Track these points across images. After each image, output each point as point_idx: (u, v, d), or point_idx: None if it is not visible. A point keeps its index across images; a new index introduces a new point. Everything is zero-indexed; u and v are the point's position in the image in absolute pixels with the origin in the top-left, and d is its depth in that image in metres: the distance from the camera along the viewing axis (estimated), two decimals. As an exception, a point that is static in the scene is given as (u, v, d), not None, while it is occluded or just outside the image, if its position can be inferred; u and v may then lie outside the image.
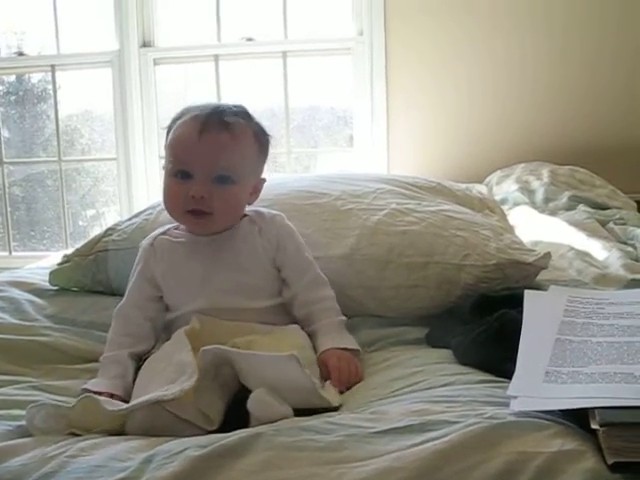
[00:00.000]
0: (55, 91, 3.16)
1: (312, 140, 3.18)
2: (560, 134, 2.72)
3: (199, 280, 1.12)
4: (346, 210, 1.37)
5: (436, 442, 0.71)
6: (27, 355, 1.16)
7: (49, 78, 3.16)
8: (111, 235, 1.47)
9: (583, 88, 2.71)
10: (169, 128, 1.16)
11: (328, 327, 1.13)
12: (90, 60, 3.10)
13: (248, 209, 1.20)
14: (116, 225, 1.52)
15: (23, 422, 0.90)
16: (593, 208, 2.11)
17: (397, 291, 1.25)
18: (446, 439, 0.72)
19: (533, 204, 2.20)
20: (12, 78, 3.34)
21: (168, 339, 1.07)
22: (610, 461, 0.67)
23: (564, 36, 2.70)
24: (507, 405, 0.79)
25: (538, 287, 1.18)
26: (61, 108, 3.20)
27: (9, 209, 3.23)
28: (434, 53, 2.78)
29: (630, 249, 1.67)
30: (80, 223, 3.42)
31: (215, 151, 1.10)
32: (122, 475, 0.73)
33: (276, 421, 0.82)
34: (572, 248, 1.66)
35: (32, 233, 3.39)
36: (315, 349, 1.10)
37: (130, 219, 1.52)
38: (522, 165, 2.52)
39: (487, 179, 2.53)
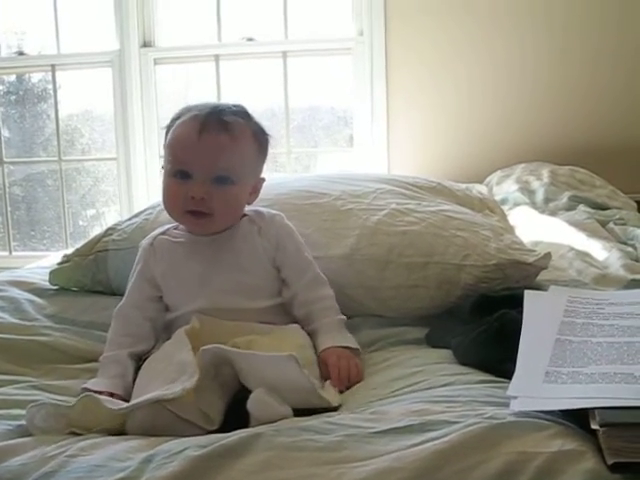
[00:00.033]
0: (55, 91, 3.16)
1: (312, 140, 3.18)
2: (560, 134, 2.72)
3: (199, 280, 1.12)
4: (346, 210, 1.37)
5: (436, 442, 0.71)
6: (27, 355, 1.16)
7: (49, 78, 3.16)
8: (111, 235, 1.47)
9: (583, 88, 2.71)
10: (168, 128, 1.16)
11: (328, 326, 1.13)
12: (90, 60, 3.09)
13: (247, 209, 1.20)
14: (116, 225, 1.52)
15: (23, 422, 0.90)
16: (593, 208, 2.11)
17: (397, 291, 1.25)
18: (446, 439, 0.72)
19: (533, 204, 2.20)
20: (12, 78, 3.34)
21: (168, 339, 1.07)
22: (610, 461, 0.67)
23: (564, 36, 2.70)
24: (507, 405, 0.79)
25: (538, 287, 1.18)
26: (61, 108, 3.20)
27: (9, 209, 3.23)
28: (434, 53, 2.78)
29: (630, 249, 1.67)
30: (80, 223, 3.42)
31: (214, 151, 1.10)
32: (122, 475, 0.73)
33: (276, 421, 0.82)
34: (572, 248, 1.66)
35: (32, 233, 3.39)
36: (315, 348, 1.10)
37: (130, 219, 1.52)
38: (522, 165, 2.52)
39: (487, 179, 2.53)
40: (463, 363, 1.01)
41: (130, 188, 3.05)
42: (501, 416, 0.76)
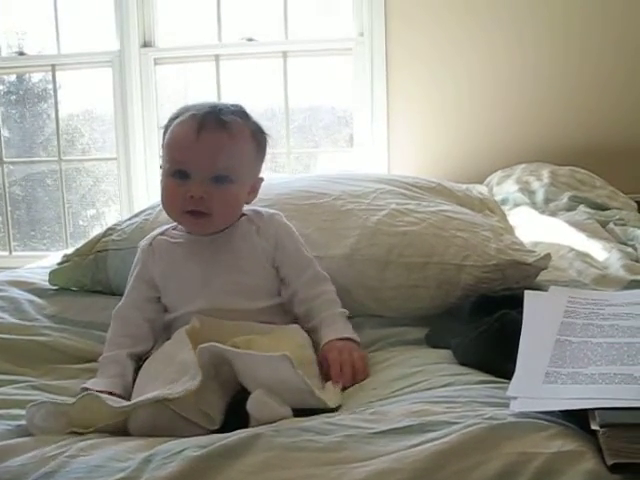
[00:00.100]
0: (55, 91, 3.16)
1: (312, 140, 3.18)
2: (560, 134, 2.72)
3: (198, 282, 1.12)
4: (346, 210, 1.37)
5: (436, 443, 0.71)
6: (27, 355, 1.16)
7: (49, 78, 3.16)
8: (111, 235, 1.47)
9: (583, 89, 2.71)
10: (166, 128, 1.16)
11: (328, 319, 1.13)
12: (90, 60, 3.09)
13: (246, 209, 1.20)
14: (116, 225, 1.52)
15: (23, 422, 0.90)
16: (593, 209, 2.11)
17: (397, 291, 1.25)
18: (446, 440, 0.71)
19: (533, 205, 2.20)
20: (12, 78, 3.34)
21: (168, 339, 1.07)
22: (610, 462, 0.67)
23: (565, 37, 2.70)
24: (507, 406, 0.79)
25: (538, 288, 1.18)
26: (61, 108, 3.20)
27: (9, 209, 3.23)
28: (434, 54, 2.78)
29: (630, 250, 1.67)
30: (80, 223, 3.42)
31: (213, 151, 1.10)
32: (121, 475, 0.73)
33: (276, 422, 0.82)
34: (572, 249, 1.65)
35: (32, 233, 3.39)
36: (317, 344, 1.10)
37: (130, 219, 1.53)
38: (522, 166, 2.52)
39: (487, 179, 2.52)
40: (463, 363, 1.01)
41: (130, 188, 3.05)
42: (501, 417, 0.76)
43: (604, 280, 1.41)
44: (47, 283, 1.47)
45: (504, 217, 1.75)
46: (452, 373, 0.96)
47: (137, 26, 2.98)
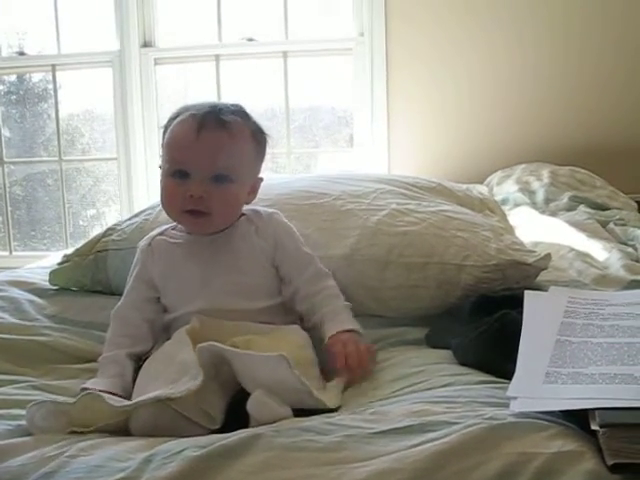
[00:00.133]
0: (56, 91, 3.16)
1: (312, 140, 3.18)
2: (560, 135, 2.72)
3: (197, 282, 1.12)
4: (346, 210, 1.37)
5: (436, 443, 0.71)
6: (27, 355, 1.16)
7: (50, 78, 3.16)
8: (111, 235, 1.47)
9: (583, 89, 2.71)
10: (166, 127, 1.16)
11: (331, 313, 1.12)
12: (91, 60, 3.09)
13: (245, 208, 1.20)
14: (116, 225, 1.52)
15: (23, 422, 0.90)
16: (593, 209, 2.11)
17: (397, 291, 1.25)
18: (446, 440, 0.72)
19: (533, 205, 2.20)
20: (13, 78, 3.34)
21: (167, 339, 1.07)
22: (610, 462, 0.67)
23: (565, 38, 2.69)
24: (507, 406, 0.79)
25: (538, 288, 1.18)
26: (62, 108, 3.20)
27: (10, 209, 3.23)
28: (434, 53, 2.78)
29: (630, 250, 1.67)
30: (80, 223, 3.42)
31: (213, 150, 1.10)
32: (121, 475, 0.73)
33: (275, 422, 0.82)
34: (572, 249, 1.65)
35: (32, 233, 3.39)
36: (322, 339, 1.09)
37: (130, 219, 1.52)
38: (523, 166, 2.52)
39: (488, 179, 2.52)
40: (463, 363, 1.01)
41: (130, 188, 3.05)
42: (501, 417, 0.76)
43: (604, 280, 1.41)
44: (47, 283, 1.47)
45: (504, 217, 1.75)
46: (452, 373, 0.96)
47: (137, 26, 2.98)
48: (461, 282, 1.22)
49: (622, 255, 1.58)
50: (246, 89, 3.05)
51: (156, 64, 3.03)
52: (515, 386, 0.82)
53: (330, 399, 0.93)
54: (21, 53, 3.14)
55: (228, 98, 2.58)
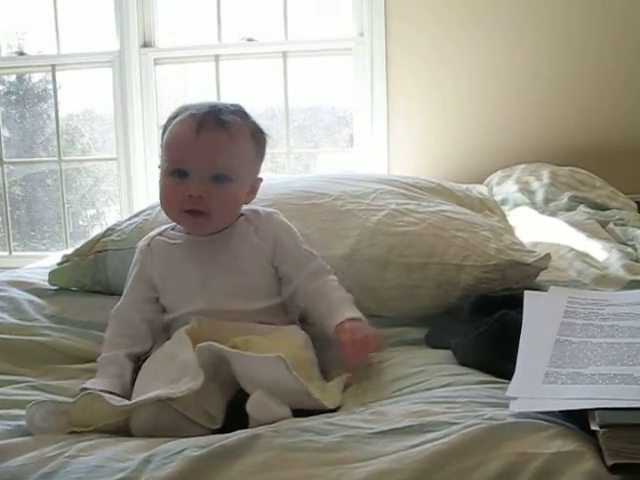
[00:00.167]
0: (55, 91, 3.16)
1: (312, 140, 3.18)
2: (560, 135, 2.72)
3: (197, 283, 1.12)
4: (346, 210, 1.37)
5: (435, 443, 0.71)
6: (26, 355, 1.16)
7: (49, 78, 3.16)
8: (110, 235, 1.47)
9: (583, 89, 2.71)
10: (165, 127, 1.15)
11: (334, 304, 1.10)
12: (90, 60, 3.09)
13: (244, 208, 1.20)
14: (115, 225, 1.52)
15: (23, 422, 0.90)
16: (593, 209, 2.11)
17: (397, 291, 1.25)
18: (445, 440, 0.71)
19: (533, 205, 2.20)
20: (12, 78, 3.34)
21: (167, 339, 1.07)
22: (610, 462, 0.67)
23: (565, 38, 2.70)
24: (507, 406, 0.79)
25: (538, 288, 1.18)
26: (61, 108, 3.20)
27: (9, 209, 3.23)
28: (434, 53, 2.78)
29: (630, 250, 1.67)
30: (80, 223, 3.42)
31: (212, 150, 1.10)
32: (121, 475, 0.73)
33: (275, 422, 0.82)
34: (572, 249, 1.65)
35: (32, 233, 3.39)
36: (326, 332, 1.08)
37: (130, 219, 1.52)
38: (522, 166, 2.52)
39: (487, 179, 2.52)
40: (463, 364, 1.01)
41: (130, 188, 3.05)
42: (501, 417, 0.76)
43: (604, 280, 1.41)
44: (47, 283, 1.47)
45: (504, 217, 1.75)
46: (452, 373, 0.96)
47: (137, 26, 2.98)
48: (461, 282, 1.22)
49: (622, 255, 1.58)
50: (246, 89, 3.05)
51: (156, 64, 3.03)
52: (515, 386, 0.82)
53: (329, 399, 0.93)
54: (21, 53, 3.14)
55: (228, 98, 2.58)
